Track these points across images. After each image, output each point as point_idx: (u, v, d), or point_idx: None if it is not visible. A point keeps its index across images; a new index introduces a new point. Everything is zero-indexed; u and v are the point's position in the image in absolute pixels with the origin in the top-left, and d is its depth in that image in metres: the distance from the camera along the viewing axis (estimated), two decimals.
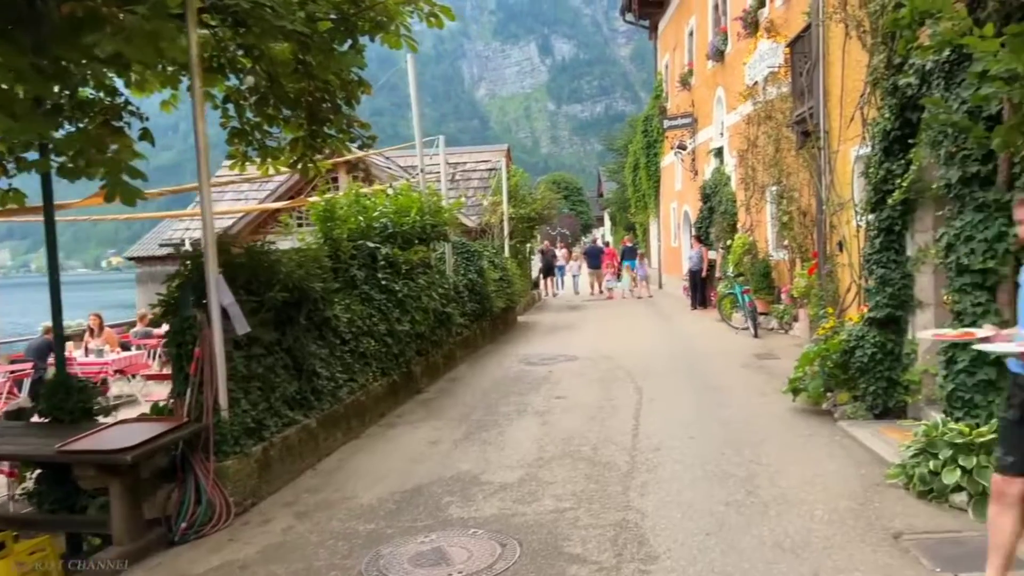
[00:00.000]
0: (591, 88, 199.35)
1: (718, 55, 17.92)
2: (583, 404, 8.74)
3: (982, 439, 4.99)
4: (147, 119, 6.49)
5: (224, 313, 5.86)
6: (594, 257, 26.23)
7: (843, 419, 7.33)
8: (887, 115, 6.79)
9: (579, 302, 23.29)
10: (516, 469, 6.45)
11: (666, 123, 22.07)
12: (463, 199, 13.72)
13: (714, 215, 18.07)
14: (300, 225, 13.21)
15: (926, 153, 6.05)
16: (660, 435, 7.28)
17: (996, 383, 5.17)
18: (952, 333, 4.02)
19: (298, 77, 7.24)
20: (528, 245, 24.06)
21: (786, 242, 13.10)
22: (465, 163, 20.86)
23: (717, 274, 17.86)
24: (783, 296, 13.60)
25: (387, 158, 20.42)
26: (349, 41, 7.19)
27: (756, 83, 14.36)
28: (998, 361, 5.13)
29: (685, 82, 21.56)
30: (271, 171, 8.21)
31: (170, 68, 6.84)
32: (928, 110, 5.75)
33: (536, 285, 26.52)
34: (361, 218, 9.59)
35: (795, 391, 7.97)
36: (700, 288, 18.73)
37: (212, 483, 5.57)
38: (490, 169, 20.02)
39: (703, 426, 7.54)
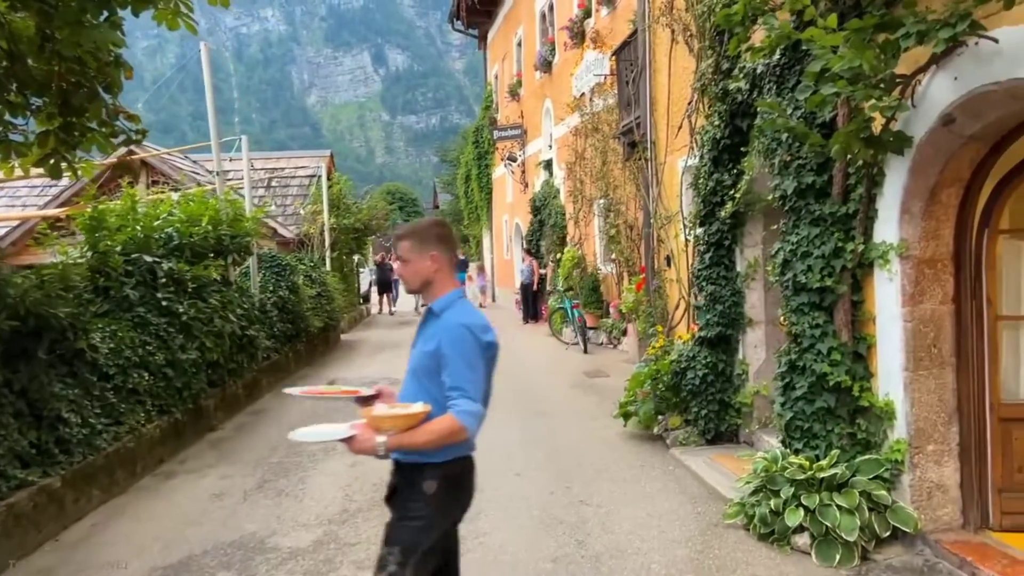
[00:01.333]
0: (426, 100, 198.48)
1: (546, 66, 17.66)
2: None
3: (823, 473, 4.58)
4: None
5: None
6: None
7: (675, 445, 6.88)
8: (716, 122, 6.43)
9: (411, 318, 22.29)
10: (314, 527, 5.42)
11: (496, 134, 21.63)
12: (271, 206, 12.37)
13: (544, 228, 17.77)
14: None
15: (758, 162, 5.68)
16: (485, 473, 6.38)
17: (835, 411, 4.79)
18: (327, 389, 3.08)
19: (47, 57, 5.87)
20: (356, 257, 22.76)
21: (614, 256, 12.86)
22: (283, 169, 19.32)
23: (548, 288, 17.54)
24: (612, 311, 13.36)
25: (194, 161, 18.55)
26: (105, 14, 5.93)
27: (583, 94, 14.11)
28: (837, 388, 4.76)
29: (514, 93, 21.23)
30: (18, 171, 6.73)
31: None
32: (761, 115, 5.35)
33: (366, 300, 25.22)
34: (139, 227, 8.16)
35: (626, 416, 7.47)
36: (532, 302, 18.39)
37: None
38: (311, 176, 18.63)
39: (531, 459, 6.85)
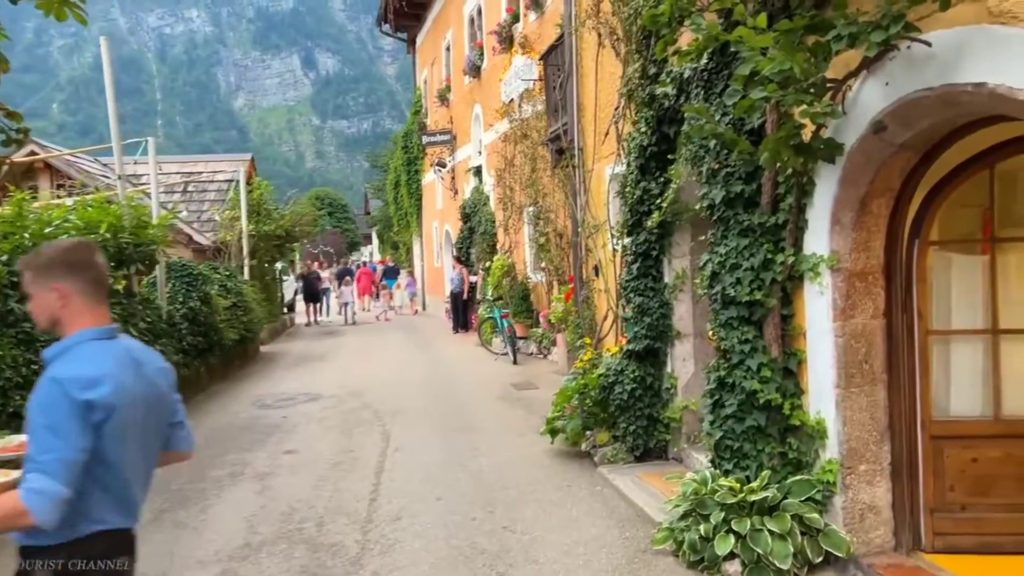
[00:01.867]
0: (357, 105, 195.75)
1: (475, 71, 17.37)
2: (317, 459, 7.36)
3: (754, 496, 4.36)
4: None
5: None
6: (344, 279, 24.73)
7: (603, 463, 6.62)
8: (643, 129, 6.21)
9: (337, 328, 21.63)
10: (211, 565, 4.95)
11: (425, 139, 21.21)
12: (182, 211, 11.68)
13: (474, 235, 17.44)
14: None
15: (685, 170, 5.48)
16: (403, 497, 6.12)
17: (766, 430, 4.59)
18: None
19: None
20: (279, 265, 21.95)
21: (544, 264, 12.63)
22: (200, 173, 18.48)
23: (478, 296, 17.21)
24: (542, 320, 13.12)
25: (104, 164, 17.57)
26: None
27: (512, 100, 13.86)
28: (768, 405, 4.56)
29: (443, 98, 20.87)
30: None
31: None
32: (688, 121, 5.15)
33: (291, 309, 24.35)
34: (27, 235, 7.50)
35: (553, 432, 7.19)
36: (462, 311, 18.01)
37: None
38: (230, 180, 17.85)
39: (453, 481, 6.49)
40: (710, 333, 5.11)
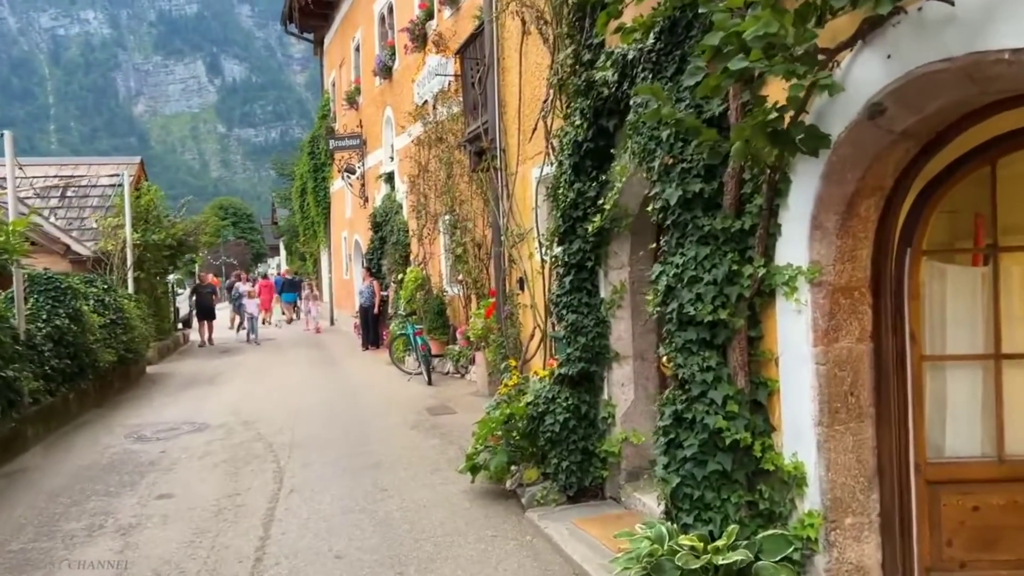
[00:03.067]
0: (265, 113, 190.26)
1: (385, 71, 16.38)
2: (196, 506, 6.25)
3: (722, 559, 3.59)
4: None
5: None
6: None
7: (532, 505, 5.77)
8: (578, 122, 5.43)
9: (233, 345, 20.05)
10: None
11: (332, 143, 19.99)
12: (50, 216, 10.29)
13: (386, 246, 16.40)
14: None
15: (632, 167, 4.71)
16: (295, 556, 5.11)
17: (732, 475, 3.84)
18: None
19: None
20: (172, 278, 20.26)
21: (461, 277, 11.76)
22: (81, 177, 16.77)
23: (390, 311, 16.15)
24: (459, 337, 12.23)
25: None
26: None
27: (426, 102, 12.98)
28: (735, 446, 3.82)
29: (352, 100, 19.76)
30: None
31: None
32: (635, 109, 4.39)
33: (187, 325, 22.52)
34: None
35: (474, 469, 6.30)
36: (372, 326, 16.92)
37: None
38: (114, 185, 16.23)
39: (357, 532, 5.51)
40: (664, 359, 4.33)
